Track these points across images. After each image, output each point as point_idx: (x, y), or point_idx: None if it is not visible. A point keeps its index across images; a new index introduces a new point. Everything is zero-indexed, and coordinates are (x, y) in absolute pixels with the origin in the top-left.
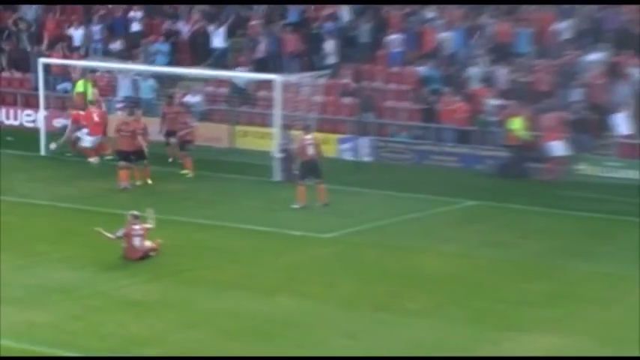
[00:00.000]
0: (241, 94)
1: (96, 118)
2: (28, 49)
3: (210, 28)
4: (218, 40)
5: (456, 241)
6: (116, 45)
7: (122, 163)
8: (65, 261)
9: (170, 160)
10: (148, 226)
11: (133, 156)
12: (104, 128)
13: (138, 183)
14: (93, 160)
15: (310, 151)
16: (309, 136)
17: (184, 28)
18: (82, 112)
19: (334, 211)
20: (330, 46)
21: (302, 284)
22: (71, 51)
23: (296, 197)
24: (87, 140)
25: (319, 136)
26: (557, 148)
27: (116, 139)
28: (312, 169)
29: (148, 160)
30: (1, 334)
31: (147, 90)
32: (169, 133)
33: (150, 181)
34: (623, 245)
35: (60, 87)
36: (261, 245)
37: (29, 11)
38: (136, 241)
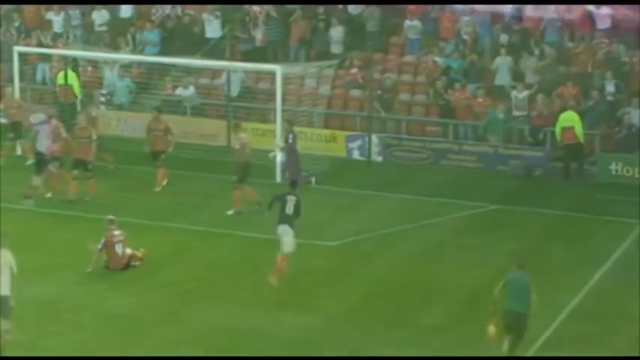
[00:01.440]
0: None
1: None
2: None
3: (203, 13)
4: (212, 28)
5: (476, 249)
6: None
7: (74, 172)
8: (41, 271)
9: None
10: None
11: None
12: None
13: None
14: None
15: (247, 150)
16: (244, 134)
17: (177, 14)
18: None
19: (342, 216)
20: (337, 33)
21: (306, 298)
22: (53, 39)
23: (234, 203)
24: None
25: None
26: None
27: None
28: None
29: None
30: None
31: (123, 91)
32: None
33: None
34: None
35: (39, 76)
36: (260, 254)
37: None
38: (118, 248)
